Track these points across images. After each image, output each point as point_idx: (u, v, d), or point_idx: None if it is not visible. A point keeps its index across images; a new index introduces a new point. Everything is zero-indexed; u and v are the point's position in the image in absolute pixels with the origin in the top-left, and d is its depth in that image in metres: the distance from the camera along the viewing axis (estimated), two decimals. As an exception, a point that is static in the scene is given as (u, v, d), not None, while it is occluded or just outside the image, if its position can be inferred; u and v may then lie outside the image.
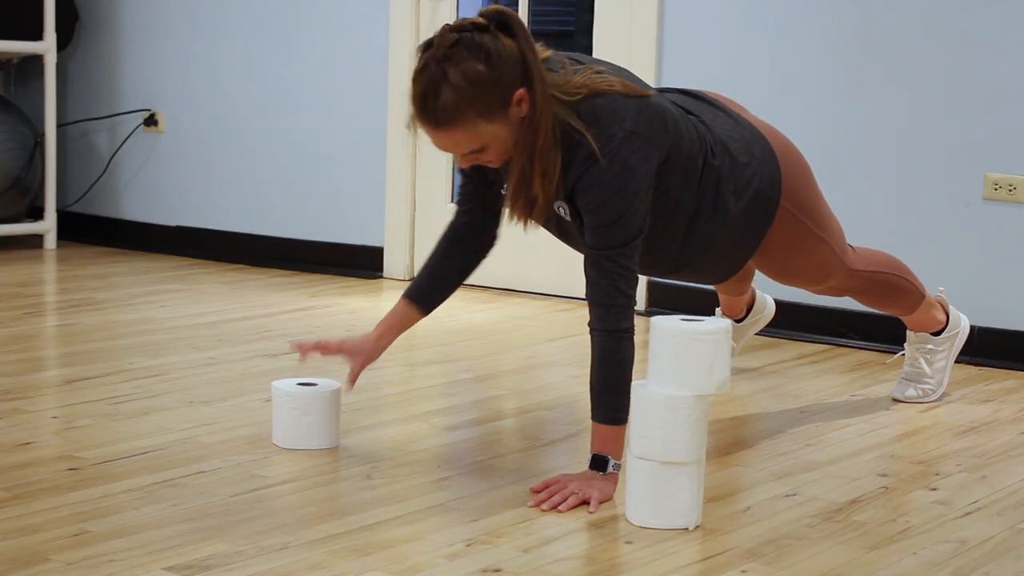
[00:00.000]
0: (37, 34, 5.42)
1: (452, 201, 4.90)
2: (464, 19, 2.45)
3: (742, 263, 2.90)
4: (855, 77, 4.05)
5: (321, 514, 2.41)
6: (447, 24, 2.46)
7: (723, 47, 4.27)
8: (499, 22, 2.43)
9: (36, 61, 5.58)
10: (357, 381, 2.79)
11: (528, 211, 2.52)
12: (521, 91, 2.42)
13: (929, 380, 3.33)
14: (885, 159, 4.02)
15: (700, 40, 4.32)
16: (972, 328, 3.82)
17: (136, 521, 2.33)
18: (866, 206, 4.04)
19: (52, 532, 2.27)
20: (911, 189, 3.98)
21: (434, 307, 2.80)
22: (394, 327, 2.80)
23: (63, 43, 5.62)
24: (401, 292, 2.83)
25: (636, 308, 2.58)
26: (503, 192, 2.61)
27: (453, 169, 4.89)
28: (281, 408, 2.80)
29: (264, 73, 5.28)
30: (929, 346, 3.32)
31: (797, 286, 3.16)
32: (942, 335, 3.33)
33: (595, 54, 4.53)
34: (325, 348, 2.77)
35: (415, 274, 2.81)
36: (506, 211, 2.57)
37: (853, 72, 4.05)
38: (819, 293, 3.20)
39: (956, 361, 3.75)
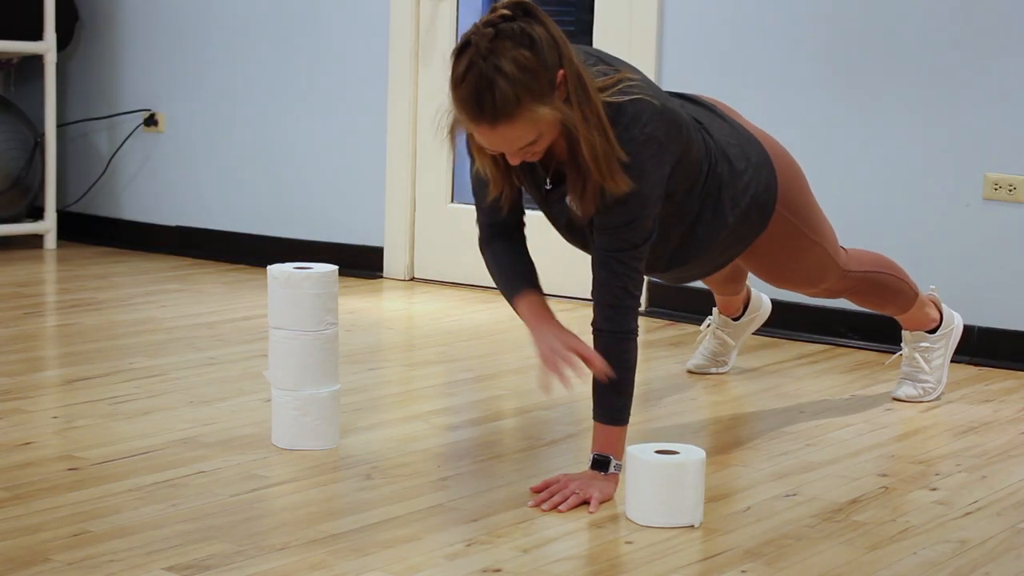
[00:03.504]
0: (37, 34, 5.42)
1: (451, 201, 4.91)
2: (490, 15, 2.42)
3: (729, 261, 2.92)
4: (855, 77, 4.05)
5: (321, 514, 2.41)
6: (476, 23, 2.42)
7: (723, 47, 4.27)
8: (524, 10, 2.41)
9: (36, 61, 5.58)
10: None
11: (622, 175, 2.45)
12: (561, 72, 2.40)
13: (928, 378, 3.34)
14: (885, 159, 4.02)
15: (700, 40, 4.32)
16: (972, 328, 3.83)
17: (136, 521, 2.34)
18: (866, 206, 4.04)
19: (52, 532, 2.27)
20: (911, 189, 3.98)
21: (540, 285, 2.69)
22: (548, 313, 2.64)
23: (63, 43, 5.62)
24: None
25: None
26: (547, 188, 2.58)
27: (454, 170, 4.89)
28: (281, 408, 2.80)
29: (264, 73, 5.28)
30: (925, 344, 3.33)
31: (792, 290, 3.16)
32: (937, 333, 3.34)
33: (595, 54, 4.53)
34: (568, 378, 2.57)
35: (499, 283, 2.68)
36: (598, 182, 2.44)
37: (853, 72, 4.05)
38: (814, 296, 3.20)
39: (956, 361, 3.76)
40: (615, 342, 2.53)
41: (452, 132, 2.48)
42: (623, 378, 2.54)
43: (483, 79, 2.34)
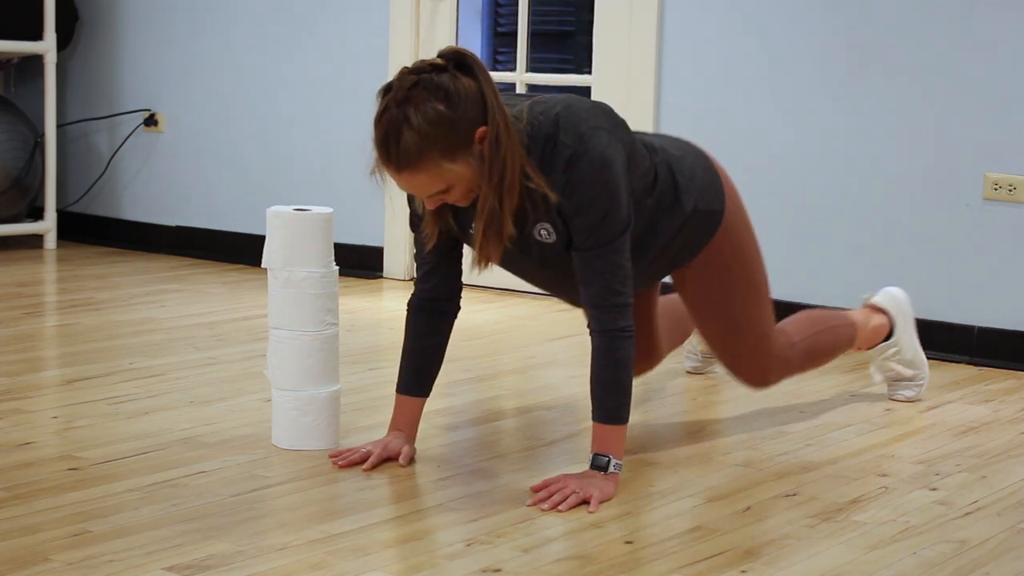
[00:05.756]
0: (37, 34, 5.42)
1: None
2: (422, 60, 2.46)
3: (669, 269, 2.85)
4: (855, 77, 4.05)
5: (321, 514, 2.41)
6: (405, 67, 2.46)
7: (723, 47, 4.27)
8: (457, 62, 2.45)
9: (36, 61, 5.59)
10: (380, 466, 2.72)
11: (501, 248, 2.51)
12: (482, 129, 2.43)
13: (910, 373, 3.31)
14: (885, 159, 4.02)
15: (700, 40, 4.32)
16: (972, 328, 3.83)
17: (136, 521, 2.34)
18: (866, 206, 4.04)
19: (52, 532, 2.27)
20: (911, 189, 3.98)
21: (431, 387, 2.79)
22: (412, 422, 2.78)
23: (63, 43, 5.62)
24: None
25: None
26: (471, 232, 2.58)
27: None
28: (281, 408, 2.80)
29: (264, 73, 5.28)
30: (892, 350, 3.28)
31: (724, 342, 2.94)
32: (895, 334, 3.28)
33: (595, 54, 4.54)
34: (368, 468, 2.68)
35: (400, 360, 2.77)
36: (480, 251, 2.52)
37: (853, 72, 4.05)
38: (756, 381, 3.01)
39: (955, 361, 3.77)
40: (607, 341, 2.53)
41: (374, 171, 2.52)
42: (618, 377, 2.54)
43: (392, 126, 2.40)
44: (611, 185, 2.50)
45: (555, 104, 2.54)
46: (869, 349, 3.28)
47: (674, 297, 3.14)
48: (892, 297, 3.31)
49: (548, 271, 2.70)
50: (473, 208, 2.54)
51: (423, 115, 2.39)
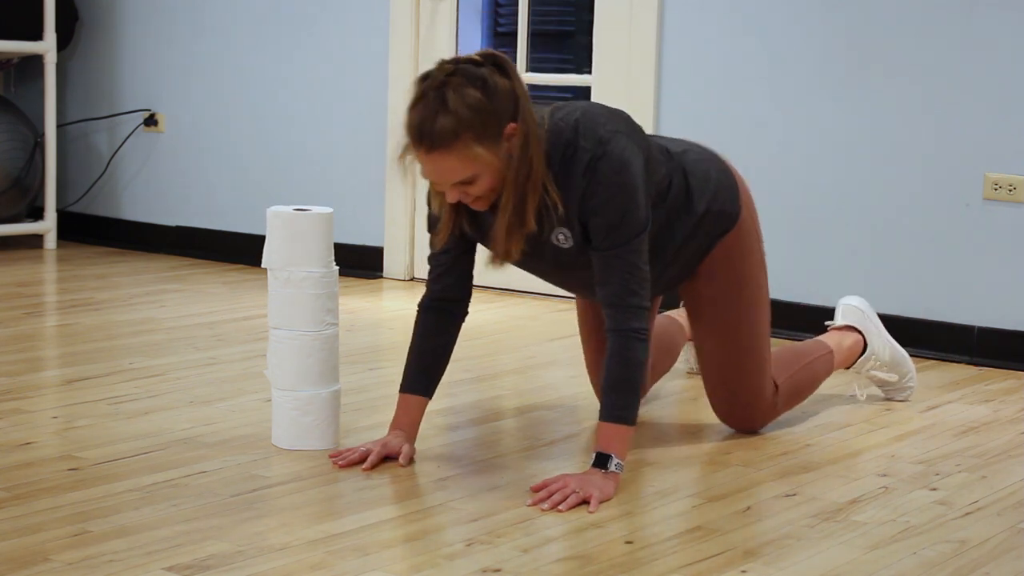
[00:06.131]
0: (37, 34, 5.42)
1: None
2: (460, 55, 2.51)
3: (686, 271, 2.86)
4: (855, 77, 4.05)
5: (321, 514, 2.41)
6: (443, 59, 2.52)
7: (723, 47, 4.27)
8: (494, 62, 2.50)
9: (36, 61, 5.58)
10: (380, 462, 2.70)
11: (521, 245, 2.53)
12: (513, 125, 2.47)
13: (895, 377, 3.30)
14: (885, 159, 4.02)
15: (700, 40, 4.32)
16: (972, 328, 3.84)
17: (136, 521, 2.34)
18: (866, 206, 4.04)
19: (52, 532, 2.27)
20: (911, 189, 3.98)
21: (435, 388, 2.79)
22: (413, 423, 2.77)
23: (63, 43, 5.62)
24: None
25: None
26: (489, 233, 2.59)
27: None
28: (281, 408, 2.80)
29: (264, 73, 5.28)
30: (871, 361, 3.28)
31: (720, 362, 2.94)
32: (868, 347, 3.27)
33: (595, 54, 4.54)
34: (368, 467, 2.67)
35: (406, 360, 2.77)
36: (498, 248, 2.54)
37: (853, 72, 4.05)
38: (745, 415, 3.00)
39: (956, 361, 3.78)
40: (620, 341, 2.55)
41: (402, 156, 2.53)
42: (629, 378, 2.55)
43: (429, 108, 2.44)
44: (629, 187, 2.54)
45: (574, 110, 2.59)
46: (849, 367, 3.28)
47: (661, 324, 3.18)
48: (853, 310, 3.31)
49: (564, 274, 2.73)
50: (489, 213, 2.56)
51: (461, 99, 2.43)
